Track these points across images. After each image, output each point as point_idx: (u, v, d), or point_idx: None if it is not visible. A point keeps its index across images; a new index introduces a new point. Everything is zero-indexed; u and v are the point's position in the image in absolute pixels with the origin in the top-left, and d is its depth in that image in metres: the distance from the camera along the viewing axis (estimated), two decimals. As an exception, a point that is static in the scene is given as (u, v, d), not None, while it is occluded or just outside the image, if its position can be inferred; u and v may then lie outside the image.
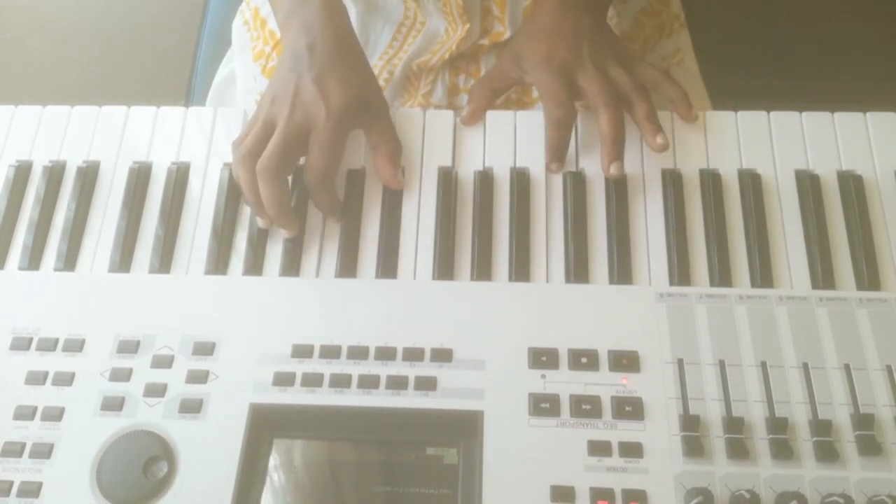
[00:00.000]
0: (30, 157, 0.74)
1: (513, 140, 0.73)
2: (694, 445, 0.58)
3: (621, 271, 0.66)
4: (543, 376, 0.62)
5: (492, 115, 0.75)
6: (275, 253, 0.69)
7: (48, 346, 0.64)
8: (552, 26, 0.76)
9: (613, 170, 0.69)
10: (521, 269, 0.67)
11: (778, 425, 0.59)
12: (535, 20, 0.78)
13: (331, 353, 0.63)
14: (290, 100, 0.68)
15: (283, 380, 0.62)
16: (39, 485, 0.58)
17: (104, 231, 0.70)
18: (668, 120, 0.73)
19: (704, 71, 0.96)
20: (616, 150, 0.70)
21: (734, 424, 0.59)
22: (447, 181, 0.71)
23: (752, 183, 0.70)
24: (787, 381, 0.61)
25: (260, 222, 0.69)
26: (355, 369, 0.62)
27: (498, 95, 0.79)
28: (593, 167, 0.72)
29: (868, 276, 0.66)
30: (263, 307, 0.65)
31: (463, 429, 0.60)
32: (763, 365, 0.62)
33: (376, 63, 0.87)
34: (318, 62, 0.70)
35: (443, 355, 0.62)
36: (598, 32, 0.76)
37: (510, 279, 0.67)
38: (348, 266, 0.68)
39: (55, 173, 0.73)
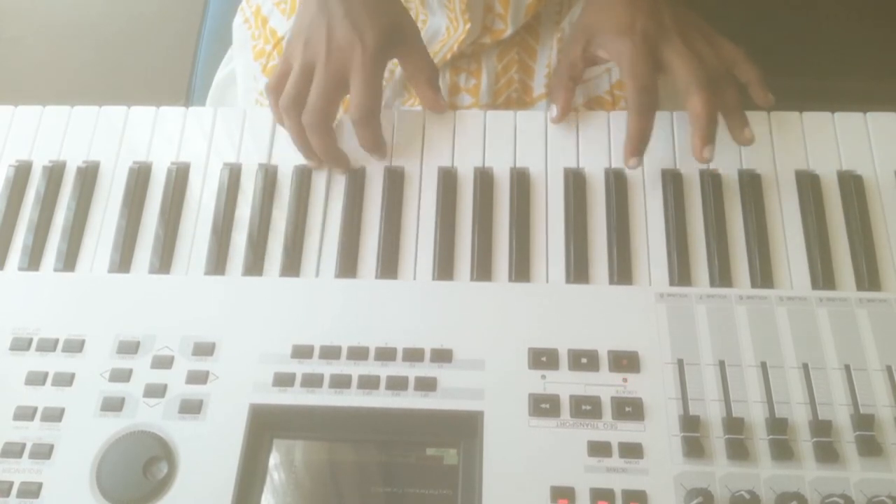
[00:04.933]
0: (30, 157, 0.74)
1: (513, 140, 0.73)
2: (694, 446, 0.58)
3: (621, 271, 0.66)
4: (543, 377, 0.61)
5: (492, 115, 0.75)
6: (275, 253, 0.69)
7: (48, 346, 0.64)
8: None
9: (706, 153, 0.66)
10: (521, 270, 0.67)
11: (778, 426, 0.59)
12: None
13: (331, 353, 0.63)
14: (324, 41, 0.69)
15: (283, 380, 0.62)
16: (39, 485, 0.58)
17: (104, 231, 0.70)
18: (667, 119, 0.73)
19: (704, 71, 0.96)
20: (710, 132, 0.67)
21: (734, 425, 0.59)
22: (447, 181, 0.71)
23: (752, 183, 0.70)
24: (787, 381, 0.61)
25: (310, 163, 0.71)
26: (355, 370, 0.62)
27: (577, 83, 0.76)
28: (593, 167, 0.72)
29: (868, 277, 0.66)
30: (263, 307, 0.65)
31: (463, 429, 0.60)
32: (763, 365, 0.62)
33: (376, 63, 0.87)
34: None
35: (443, 355, 0.62)
36: (673, 0, 0.73)
37: (510, 279, 0.67)
38: (348, 266, 0.68)
39: (55, 173, 0.73)
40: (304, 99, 0.69)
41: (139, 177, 0.72)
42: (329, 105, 0.69)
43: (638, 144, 0.69)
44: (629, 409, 0.60)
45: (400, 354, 0.63)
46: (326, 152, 0.70)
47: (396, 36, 0.71)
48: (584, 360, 0.62)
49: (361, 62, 0.68)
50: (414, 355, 0.63)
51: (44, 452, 0.59)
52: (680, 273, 0.66)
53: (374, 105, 0.69)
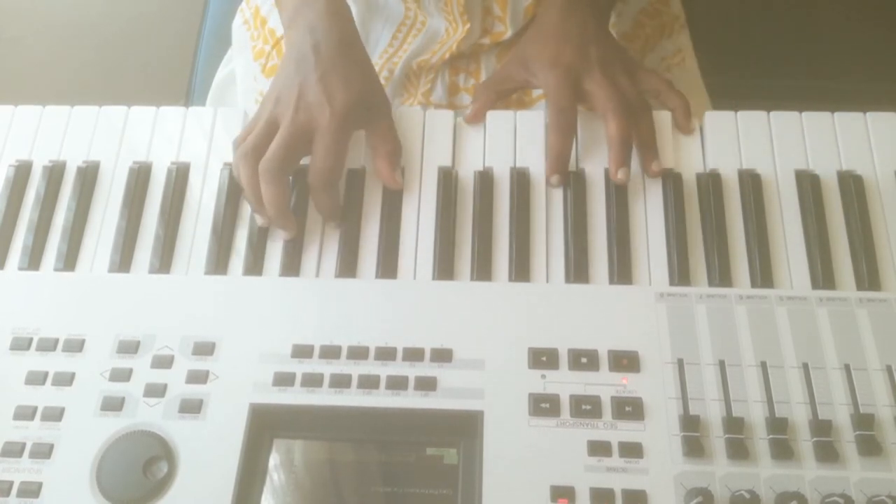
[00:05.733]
0: (30, 157, 0.74)
1: (513, 140, 0.73)
2: (694, 445, 0.58)
3: (621, 271, 0.66)
4: (543, 376, 0.61)
5: (492, 115, 0.75)
6: (275, 253, 0.69)
7: (48, 346, 0.64)
8: (557, 29, 0.76)
9: (621, 175, 0.69)
10: (521, 269, 0.67)
11: (778, 425, 0.59)
12: (539, 23, 0.79)
13: (331, 353, 0.63)
14: (294, 100, 0.69)
15: (283, 380, 0.62)
16: (39, 485, 0.58)
17: (104, 231, 0.70)
18: (668, 120, 0.73)
19: (704, 71, 0.96)
20: (624, 156, 0.70)
21: (734, 424, 0.59)
22: (447, 181, 0.71)
23: (752, 183, 0.70)
24: (787, 381, 0.61)
25: (259, 220, 0.69)
26: (355, 369, 0.62)
27: (502, 97, 0.79)
28: (593, 167, 0.72)
29: (868, 276, 0.66)
30: (263, 307, 0.65)
31: (463, 429, 0.60)
32: (763, 365, 0.62)
33: (376, 62, 0.87)
34: (323, 63, 0.70)
35: (443, 355, 0.62)
36: (603, 36, 0.77)
37: (510, 279, 0.67)
38: (348, 266, 0.68)
39: (55, 173, 0.73)
40: (264, 150, 0.67)
41: (139, 177, 0.73)
42: (288, 156, 0.67)
43: (556, 163, 0.71)
44: (629, 408, 0.60)
45: (400, 354, 0.63)
46: (276, 204, 0.67)
47: (366, 104, 0.71)
48: (584, 360, 0.62)
49: (328, 125, 0.68)
50: (414, 355, 0.63)
51: (44, 452, 0.59)
52: (680, 273, 0.66)
53: (335, 171, 0.68)
